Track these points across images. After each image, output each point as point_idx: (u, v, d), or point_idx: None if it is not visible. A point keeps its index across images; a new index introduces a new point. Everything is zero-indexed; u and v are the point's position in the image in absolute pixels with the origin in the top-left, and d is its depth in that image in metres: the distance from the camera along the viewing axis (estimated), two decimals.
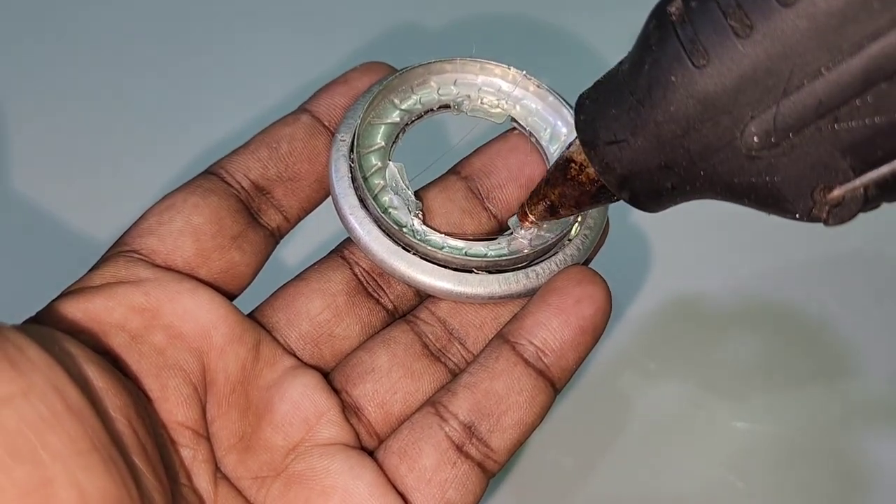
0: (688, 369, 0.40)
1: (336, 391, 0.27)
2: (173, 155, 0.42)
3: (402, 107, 0.30)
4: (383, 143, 0.29)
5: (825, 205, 0.20)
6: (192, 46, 0.48)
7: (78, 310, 0.24)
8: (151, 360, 0.25)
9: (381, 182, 0.29)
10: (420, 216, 0.28)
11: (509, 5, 0.50)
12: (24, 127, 0.44)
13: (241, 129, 0.38)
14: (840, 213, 0.20)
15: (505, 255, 0.28)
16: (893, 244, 0.43)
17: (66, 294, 0.25)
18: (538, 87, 0.30)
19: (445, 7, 0.49)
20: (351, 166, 0.28)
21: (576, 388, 0.39)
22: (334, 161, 0.28)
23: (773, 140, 0.20)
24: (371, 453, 0.27)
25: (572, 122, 0.25)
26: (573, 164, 0.25)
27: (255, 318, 0.28)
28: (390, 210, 0.28)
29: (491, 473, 0.27)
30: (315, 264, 0.29)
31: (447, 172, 0.30)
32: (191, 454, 0.25)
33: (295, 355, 0.28)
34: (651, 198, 0.23)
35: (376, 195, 0.29)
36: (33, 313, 0.25)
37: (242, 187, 0.28)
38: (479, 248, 0.28)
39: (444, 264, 0.27)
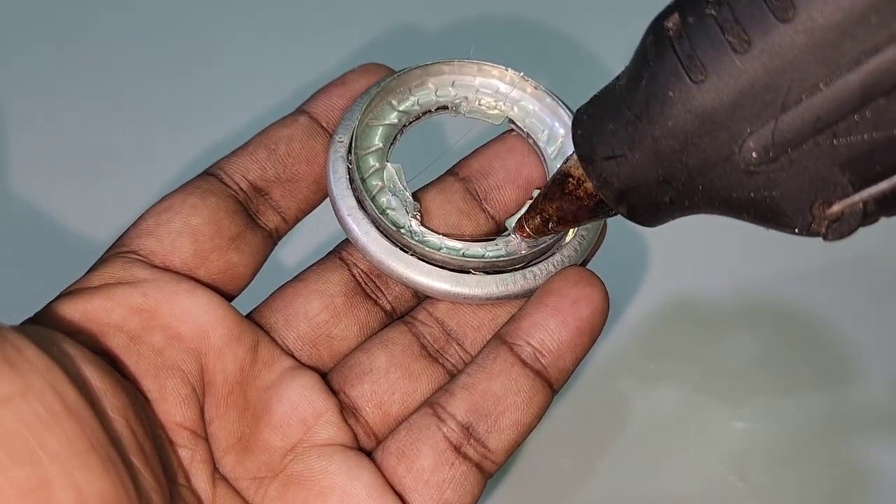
0: (687, 370, 0.40)
1: (334, 392, 0.27)
2: (172, 156, 0.42)
3: (400, 108, 0.30)
4: (381, 145, 0.30)
5: (824, 220, 0.20)
6: (190, 48, 0.48)
7: (76, 310, 0.24)
8: (150, 361, 0.25)
9: (379, 183, 0.29)
10: (418, 217, 0.28)
11: (507, 7, 0.50)
12: (23, 127, 0.44)
13: (240, 130, 0.38)
14: (839, 229, 0.20)
15: (503, 256, 0.28)
16: (894, 246, 0.43)
17: (65, 295, 0.25)
18: (536, 88, 0.30)
19: (443, 9, 0.49)
20: (349, 167, 0.28)
21: (574, 389, 0.39)
22: (332, 162, 0.28)
23: (771, 155, 0.20)
24: (369, 454, 0.27)
25: (570, 123, 0.25)
26: (571, 179, 0.25)
27: (253, 318, 0.28)
28: (388, 211, 0.29)
29: (489, 474, 0.27)
30: (313, 265, 0.29)
31: (445, 174, 0.30)
32: (189, 455, 0.25)
33: (293, 356, 0.28)
34: (649, 212, 0.23)
35: (374, 196, 0.29)
36: (32, 314, 0.25)
37: (241, 188, 0.28)
38: (477, 249, 0.28)
39: (441, 265, 0.27)
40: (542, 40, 0.49)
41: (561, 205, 0.25)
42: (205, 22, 0.49)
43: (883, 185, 0.20)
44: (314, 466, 0.26)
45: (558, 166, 0.26)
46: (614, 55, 0.23)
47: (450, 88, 0.30)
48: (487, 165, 0.30)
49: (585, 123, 0.23)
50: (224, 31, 0.49)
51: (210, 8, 0.49)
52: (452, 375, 0.28)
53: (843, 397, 0.40)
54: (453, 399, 0.26)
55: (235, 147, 0.29)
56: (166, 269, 0.26)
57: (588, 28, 0.49)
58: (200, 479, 0.25)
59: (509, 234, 0.29)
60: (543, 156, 0.30)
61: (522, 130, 0.30)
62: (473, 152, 0.30)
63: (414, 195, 0.29)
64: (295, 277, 0.29)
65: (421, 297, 0.29)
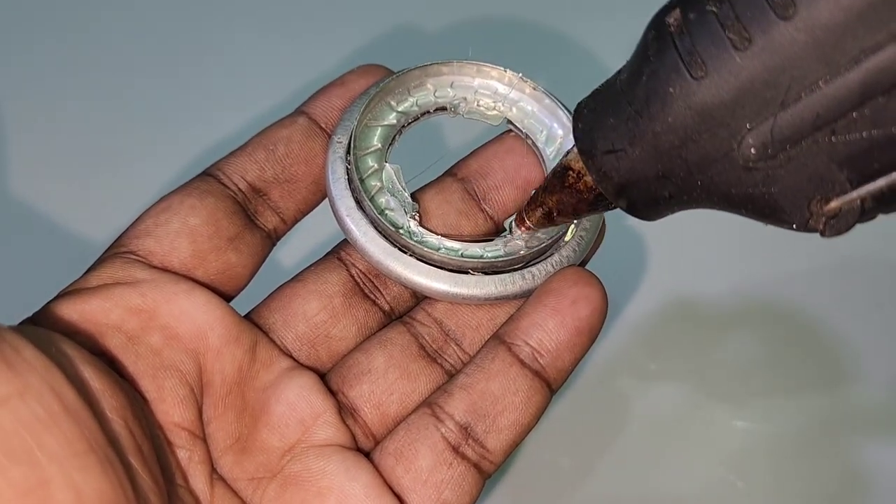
0: (687, 369, 0.40)
1: (332, 392, 0.27)
2: (171, 156, 0.42)
3: (399, 109, 0.30)
4: (380, 145, 0.30)
5: (822, 216, 0.20)
6: (189, 48, 0.48)
7: (74, 311, 0.24)
8: (148, 362, 0.25)
9: (378, 184, 0.29)
10: (416, 218, 0.28)
11: (505, 8, 0.50)
12: (22, 127, 0.45)
13: (239, 130, 0.38)
14: (837, 225, 0.20)
15: (501, 257, 0.28)
16: (894, 247, 0.43)
17: (63, 295, 0.25)
18: (534, 89, 0.30)
19: (442, 10, 0.49)
20: (347, 168, 0.28)
21: (574, 389, 0.39)
22: (331, 163, 0.28)
23: (770, 152, 0.20)
24: (367, 454, 0.27)
25: (568, 124, 0.25)
26: (571, 172, 0.25)
27: (251, 319, 0.28)
28: (387, 212, 0.29)
29: (487, 474, 0.27)
30: (312, 266, 0.29)
31: (444, 174, 0.30)
32: (187, 455, 0.25)
33: (291, 356, 0.28)
34: (648, 206, 0.23)
35: (373, 197, 0.29)
36: (30, 314, 0.25)
37: (239, 189, 0.28)
38: (476, 249, 0.28)
39: (440, 266, 0.27)
40: (541, 41, 0.49)
41: (561, 197, 0.25)
42: (204, 22, 0.49)
43: (880, 183, 0.20)
44: (312, 467, 0.26)
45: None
46: (613, 56, 0.23)
47: (448, 89, 0.30)
48: (486, 166, 0.30)
49: (586, 117, 0.23)
50: (223, 31, 0.49)
51: (209, 8, 0.49)
52: (451, 375, 0.28)
53: (842, 398, 0.40)
54: (452, 399, 0.26)
55: (234, 147, 0.29)
56: (165, 270, 0.26)
57: (587, 29, 0.49)
58: (198, 479, 0.25)
59: (508, 235, 0.29)
60: (542, 156, 0.30)
61: (521, 131, 0.30)
62: (472, 153, 0.30)
63: (413, 196, 0.29)
64: (293, 278, 0.29)
65: (419, 298, 0.29)
